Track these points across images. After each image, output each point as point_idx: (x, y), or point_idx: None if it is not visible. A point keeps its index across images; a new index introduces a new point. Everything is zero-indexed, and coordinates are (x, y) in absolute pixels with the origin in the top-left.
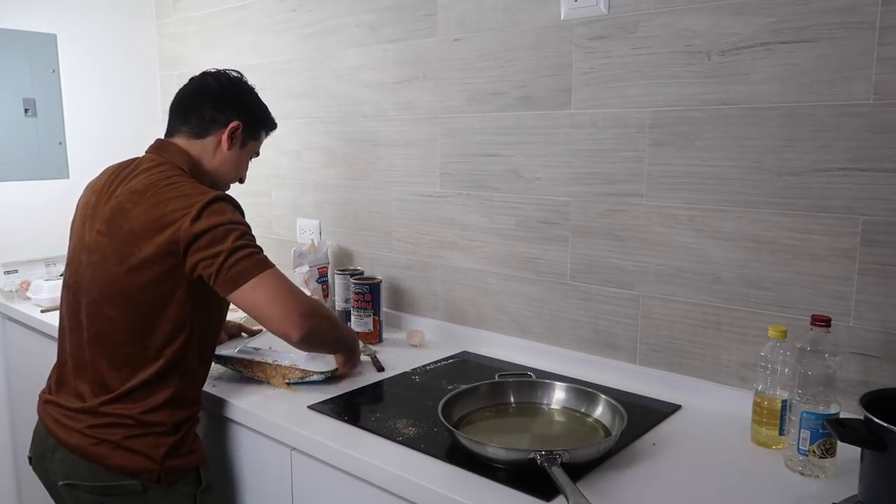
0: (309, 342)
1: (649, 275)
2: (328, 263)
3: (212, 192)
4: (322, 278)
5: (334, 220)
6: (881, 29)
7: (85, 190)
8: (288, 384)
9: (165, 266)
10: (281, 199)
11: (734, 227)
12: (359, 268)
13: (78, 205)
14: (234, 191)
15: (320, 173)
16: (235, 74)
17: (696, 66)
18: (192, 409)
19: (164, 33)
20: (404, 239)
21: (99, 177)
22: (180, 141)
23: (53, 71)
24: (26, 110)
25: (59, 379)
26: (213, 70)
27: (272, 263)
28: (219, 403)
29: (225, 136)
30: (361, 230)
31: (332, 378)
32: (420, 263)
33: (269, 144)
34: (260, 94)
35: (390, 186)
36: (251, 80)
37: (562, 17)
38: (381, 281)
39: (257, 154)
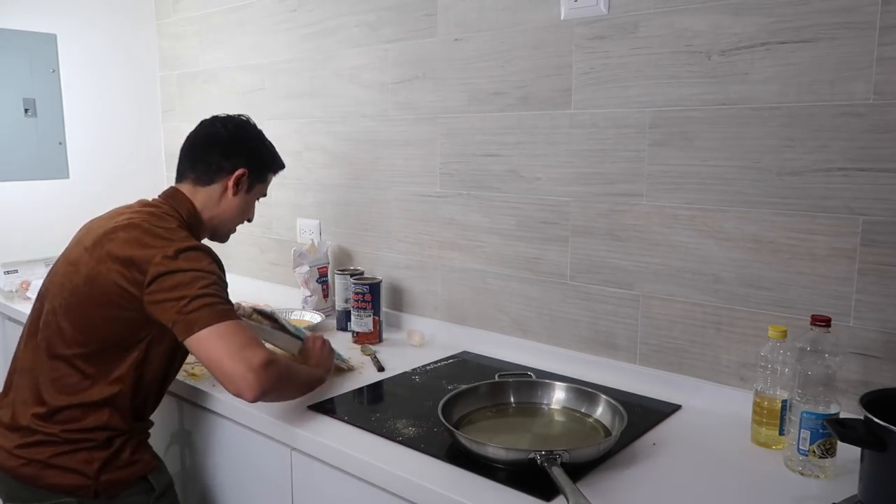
0: (264, 399)
1: (649, 275)
2: (328, 263)
3: (194, 241)
4: (322, 278)
5: (334, 220)
6: (881, 29)
7: (95, 217)
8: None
9: (128, 297)
10: (281, 199)
11: (734, 227)
12: (359, 268)
13: (83, 225)
14: None
15: (320, 173)
16: (243, 119)
17: (696, 66)
18: (128, 432)
19: (164, 33)
20: (404, 239)
21: (111, 211)
22: (187, 187)
23: (53, 71)
24: (26, 110)
25: (4, 389)
26: (222, 115)
27: (236, 316)
28: (218, 404)
29: (231, 183)
30: (361, 230)
31: None
32: (420, 263)
33: None
34: (260, 94)
35: (390, 186)
36: (251, 80)
37: (562, 17)
38: (381, 281)
39: (265, 195)
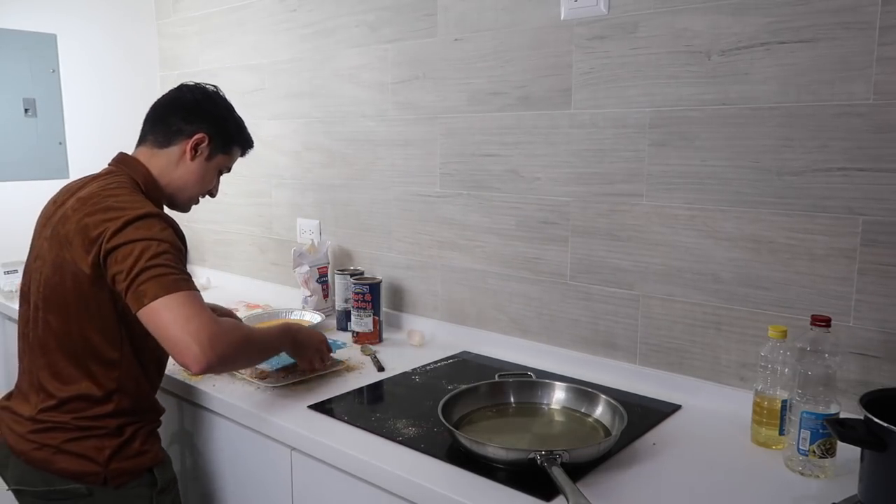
0: (213, 372)
1: (649, 275)
2: (328, 263)
3: (147, 207)
4: (322, 278)
5: (334, 220)
6: (881, 29)
7: (48, 201)
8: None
9: (93, 276)
10: (281, 199)
11: (734, 227)
12: (359, 268)
13: (40, 214)
14: (236, 193)
15: (320, 173)
16: (212, 89)
17: (696, 66)
18: (140, 416)
19: (164, 33)
20: (404, 239)
21: (59, 190)
22: (144, 150)
23: (53, 71)
24: (26, 110)
25: (17, 384)
26: (191, 83)
27: (188, 286)
28: (218, 404)
29: (189, 147)
30: (361, 230)
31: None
32: (420, 263)
33: (268, 144)
34: (260, 94)
35: (390, 186)
36: (251, 80)
37: (562, 17)
38: (381, 281)
39: (228, 170)
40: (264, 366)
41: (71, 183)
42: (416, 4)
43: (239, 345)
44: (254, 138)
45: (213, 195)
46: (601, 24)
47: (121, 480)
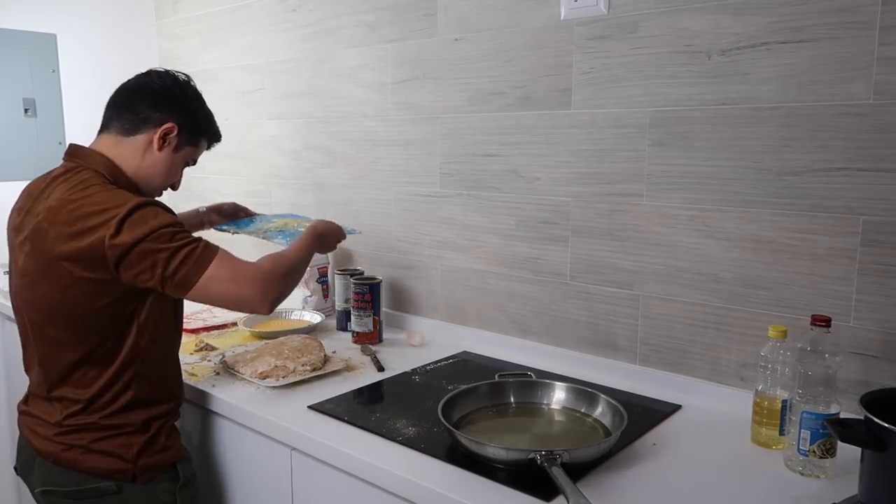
0: (282, 300)
1: (649, 275)
2: (328, 263)
3: (129, 199)
4: (322, 278)
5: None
6: (881, 29)
7: (12, 209)
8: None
9: (94, 279)
10: (281, 199)
11: (734, 227)
12: (359, 268)
13: (7, 224)
14: (236, 193)
15: (320, 173)
16: (183, 77)
17: (696, 66)
18: (161, 406)
19: (164, 33)
20: (404, 239)
21: (20, 195)
22: (108, 138)
23: (53, 71)
24: (26, 110)
25: (30, 391)
26: (161, 69)
27: (213, 249)
28: (218, 404)
29: (157, 137)
30: (361, 230)
31: None
32: (420, 263)
33: (268, 144)
34: (260, 94)
35: (390, 186)
36: (251, 80)
37: (562, 17)
38: (381, 281)
39: (194, 163)
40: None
41: (30, 185)
42: (416, 4)
43: (285, 274)
44: (253, 138)
45: (174, 188)
46: (601, 24)
47: (149, 476)
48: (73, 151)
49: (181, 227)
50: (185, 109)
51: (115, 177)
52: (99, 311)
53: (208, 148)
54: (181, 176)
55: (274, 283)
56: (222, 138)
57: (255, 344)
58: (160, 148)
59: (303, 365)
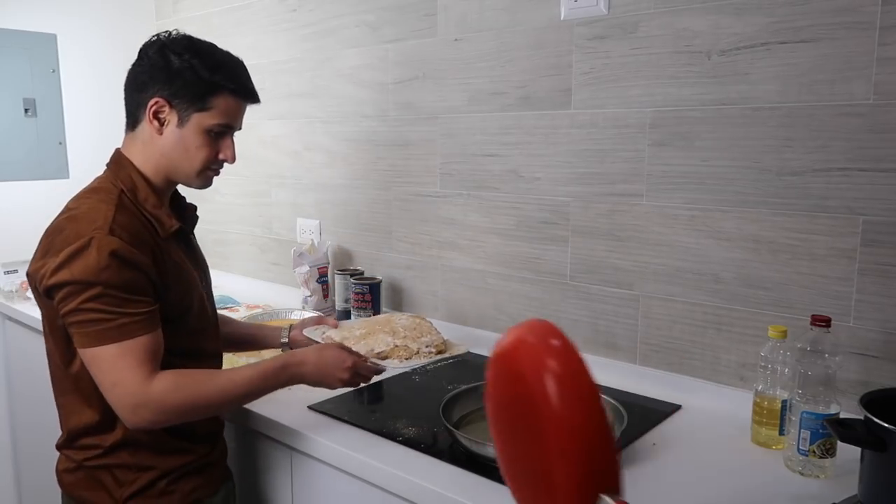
0: (157, 427)
1: (649, 275)
2: (328, 263)
3: (96, 232)
4: (322, 278)
5: (334, 220)
6: (881, 29)
7: None
8: None
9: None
10: (281, 199)
11: (734, 227)
12: (359, 268)
13: None
14: (236, 193)
15: (321, 173)
16: (163, 37)
17: (696, 66)
18: (168, 457)
19: None
20: (404, 239)
21: None
22: (125, 139)
23: (53, 71)
24: (26, 110)
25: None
26: (150, 38)
27: (112, 337)
28: None
29: (149, 119)
30: (361, 230)
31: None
32: (420, 263)
33: (268, 144)
34: (260, 94)
35: (390, 186)
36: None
37: (562, 17)
38: (381, 281)
39: (237, 127)
40: None
41: (71, 203)
42: (416, 4)
43: (179, 408)
44: (253, 138)
45: (229, 161)
46: (601, 24)
47: None
48: (115, 158)
49: (112, 288)
50: (167, 75)
51: (136, 187)
52: (66, 333)
53: (242, 98)
54: (223, 148)
55: (154, 412)
56: (251, 83)
57: (358, 320)
58: (160, 131)
59: (426, 346)
